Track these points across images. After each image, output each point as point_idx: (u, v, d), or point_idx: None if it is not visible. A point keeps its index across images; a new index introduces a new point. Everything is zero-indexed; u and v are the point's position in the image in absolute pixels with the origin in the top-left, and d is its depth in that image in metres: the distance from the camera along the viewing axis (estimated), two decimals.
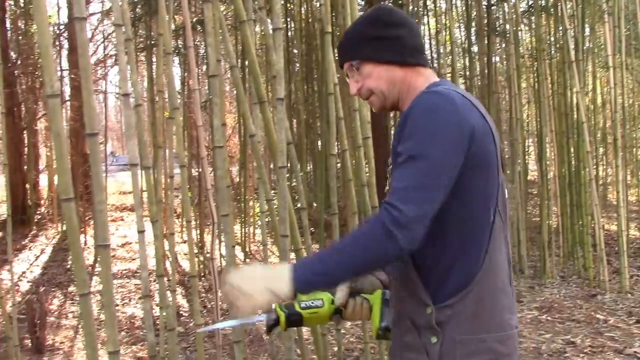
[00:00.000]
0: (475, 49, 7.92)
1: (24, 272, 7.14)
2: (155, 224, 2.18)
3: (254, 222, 8.65)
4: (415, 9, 7.95)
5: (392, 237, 1.32)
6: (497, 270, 1.48)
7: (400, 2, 7.23)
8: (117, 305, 5.89)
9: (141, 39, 7.77)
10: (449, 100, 1.43)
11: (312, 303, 1.61)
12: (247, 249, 6.66)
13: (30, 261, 7.86)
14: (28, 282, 6.69)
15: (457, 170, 1.40)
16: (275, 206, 2.98)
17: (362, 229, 1.39)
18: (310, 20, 7.77)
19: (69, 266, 7.75)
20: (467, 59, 8.35)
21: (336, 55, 1.72)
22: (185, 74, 7.67)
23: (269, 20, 2.39)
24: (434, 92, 1.47)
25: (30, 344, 4.44)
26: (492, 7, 7.73)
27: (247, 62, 2.18)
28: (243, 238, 8.06)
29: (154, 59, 7.61)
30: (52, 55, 1.49)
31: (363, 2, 8.14)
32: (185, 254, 7.16)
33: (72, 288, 6.58)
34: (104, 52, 11.01)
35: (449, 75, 7.47)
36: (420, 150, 1.38)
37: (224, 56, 2.14)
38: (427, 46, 9.16)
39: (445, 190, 1.39)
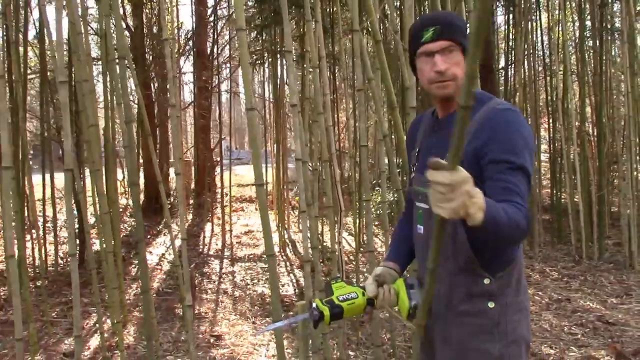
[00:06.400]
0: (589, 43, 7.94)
1: (163, 254, 8.02)
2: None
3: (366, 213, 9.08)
4: (528, 4, 8.08)
5: (526, 226, 1.54)
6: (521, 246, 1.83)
7: None
8: (248, 284, 6.59)
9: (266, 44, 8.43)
10: (523, 117, 1.69)
11: (349, 296, 1.80)
12: (360, 239, 7.14)
13: (167, 245, 8.77)
14: (168, 262, 7.53)
15: None
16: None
17: (517, 212, 1.52)
18: None
19: (200, 249, 8.61)
20: (579, 55, 8.34)
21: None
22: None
23: (400, 41, 2.84)
24: (513, 111, 1.69)
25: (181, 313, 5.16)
26: (605, 7, 7.72)
27: (380, 76, 2.60)
28: (356, 229, 8.53)
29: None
30: (250, 79, 2.01)
31: None
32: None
33: (206, 269, 7.37)
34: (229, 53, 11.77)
35: (561, 71, 7.55)
36: (523, 162, 1.60)
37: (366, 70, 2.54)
38: (539, 41, 9.23)
39: None
